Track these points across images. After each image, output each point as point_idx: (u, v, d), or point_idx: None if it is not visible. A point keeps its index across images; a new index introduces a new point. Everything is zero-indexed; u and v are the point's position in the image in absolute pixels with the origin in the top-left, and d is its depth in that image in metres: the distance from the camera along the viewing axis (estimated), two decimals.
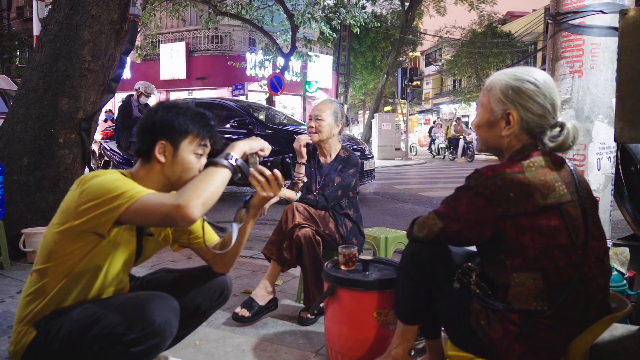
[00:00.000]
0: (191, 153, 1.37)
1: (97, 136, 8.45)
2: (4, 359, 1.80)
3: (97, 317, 1.22)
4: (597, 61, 2.12)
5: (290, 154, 1.47)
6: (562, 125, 1.31)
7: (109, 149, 7.81)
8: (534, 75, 1.31)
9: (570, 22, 2.13)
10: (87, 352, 1.22)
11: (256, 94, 17.52)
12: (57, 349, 1.25)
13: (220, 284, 1.57)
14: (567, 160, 1.32)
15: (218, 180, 1.25)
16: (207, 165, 1.31)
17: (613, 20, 2.09)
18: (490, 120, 1.35)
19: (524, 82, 1.30)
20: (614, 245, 2.09)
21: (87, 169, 3.69)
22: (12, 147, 3.35)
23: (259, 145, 1.42)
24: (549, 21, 2.27)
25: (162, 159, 1.36)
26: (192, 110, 1.39)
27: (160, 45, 19.06)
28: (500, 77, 1.34)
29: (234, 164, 1.31)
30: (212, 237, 1.59)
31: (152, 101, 6.67)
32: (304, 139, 2.42)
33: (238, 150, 1.36)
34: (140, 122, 1.40)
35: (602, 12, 2.07)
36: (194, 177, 1.34)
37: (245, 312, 2.21)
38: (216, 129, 1.45)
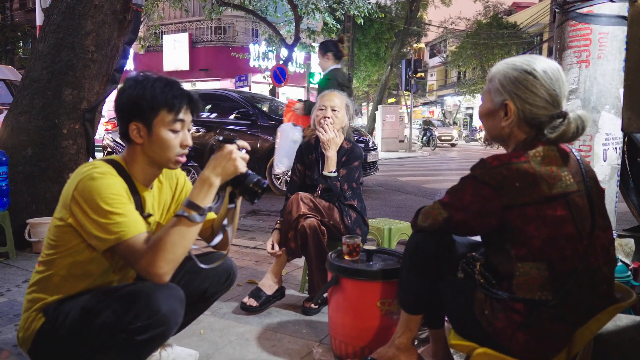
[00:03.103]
0: (166, 130, 1.33)
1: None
2: (11, 346, 1.81)
3: (103, 305, 1.23)
4: (604, 51, 2.10)
5: (266, 183, 1.37)
6: (564, 116, 1.26)
7: (112, 139, 7.83)
8: (534, 65, 1.27)
9: (578, 10, 2.11)
10: (93, 339, 1.23)
11: (259, 86, 17.47)
12: (64, 336, 1.26)
13: (227, 268, 1.57)
14: (574, 150, 1.31)
15: (192, 239, 1.24)
16: (180, 217, 1.21)
17: (622, 8, 2.06)
18: (491, 110, 1.34)
19: (521, 72, 1.27)
20: (619, 236, 2.08)
21: (91, 160, 3.69)
22: (16, 137, 3.36)
23: (233, 169, 1.29)
24: (556, 10, 2.24)
25: (139, 140, 1.34)
26: (161, 83, 1.32)
27: (163, 36, 19.01)
28: (501, 66, 1.33)
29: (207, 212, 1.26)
30: (210, 215, 1.57)
31: None
32: (330, 130, 2.35)
33: (210, 194, 1.27)
34: (114, 104, 1.36)
35: (611, 0, 2.04)
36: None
37: (253, 302, 2.22)
38: (194, 100, 1.36)
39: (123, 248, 1.21)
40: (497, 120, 1.33)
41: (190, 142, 1.38)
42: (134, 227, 1.22)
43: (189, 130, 1.40)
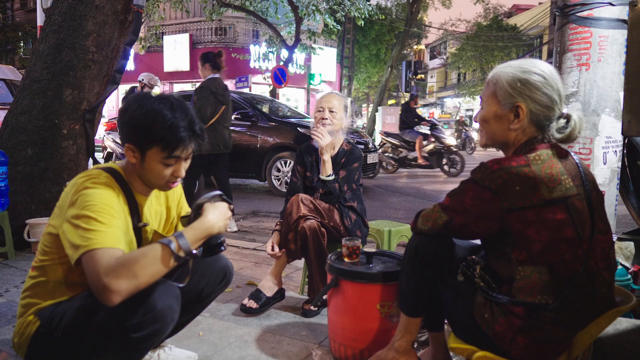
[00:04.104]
0: (159, 163, 1.32)
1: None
2: (10, 347, 1.81)
3: (99, 304, 1.22)
4: (604, 54, 2.10)
5: (224, 249, 1.37)
6: (567, 117, 1.30)
7: (112, 140, 7.83)
8: (540, 67, 1.31)
9: (578, 14, 2.11)
10: (89, 339, 1.23)
11: (260, 87, 17.49)
12: (60, 338, 1.26)
13: (223, 268, 1.57)
14: (572, 153, 1.32)
15: (163, 273, 1.20)
16: (167, 248, 1.20)
17: (622, 12, 2.07)
18: (498, 114, 1.33)
19: (532, 74, 1.29)
20: (619, 239, 2.08)
21: (90, 161, 3.69)
22: (16, 137, 3.36)
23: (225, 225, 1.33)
24: (557, 13, 2.25)
25: (132, 160, 1.34)
26: (164, 117, 1.28)
27: (164, 37, 19.04)
28: (506, 69, 1.33)
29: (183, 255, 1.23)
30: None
31: (156, 93, 6.65)
32: (326, 135, 2.33)
33: (202, 241, 1.28)
34: (117, 115, 1.37)
35: (611, 4, 2.05)
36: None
37: (252, 304, 2.22)
38: (197, 137, 1.33)
39: (88, 257, 1.15)
40: (504, 123, 1.32)
41: (183, 174, 1.38)
42: (108, 240, 1.18)
43: (187, 159, 1.37)
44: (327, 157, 2.33)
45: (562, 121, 1.30)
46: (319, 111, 2.41)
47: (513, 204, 1.21)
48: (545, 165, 1.23)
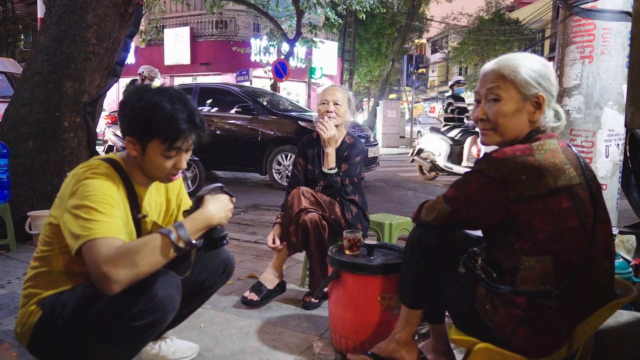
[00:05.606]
0: (160, 155, 1.32)
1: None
2: (12, 338, 1.82)
3: (100, 293, 1.22)
4: (608, 46, 2.09)
5: (226, 243, 1.36)
6: (554, 107, 1.34)
7: (112, 133, 7.82)
8: (537, 57, 1.33)
9: (582, 6, 2.10)
10: (91, 328, 1.23)
11: (261, 80, 17.44)
12: (62, 327, 1.26)
13: (224, 260, 1.57)
14: (571, 145, 1.33)
15: (162, 263, 1.20)
16: (166, 238, 1.20)
17: (626, 4, 2.05)
18: (519, 107, 1.30)
19: (543, 65, 1.31)
20: (621, 232, 2.08)
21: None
22: (17, 130, 3.35)
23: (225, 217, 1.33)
24: (560, 5, 2.23)
25: (133, 153, 1.34)
26: (164, 109, 1.28)
27: (165, 30, 18.97)
28: (518, 62, 1.30)
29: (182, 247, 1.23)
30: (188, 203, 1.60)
31: (156, 85, 6.64)
32: (331, 128, 2.32)
33: (202, 231, 1.28)
34: (117, 108, 1.36)
35: None
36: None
37: (254, 296, 2.23)
38: (198, 129, 1.33)
39: (88, 246, 1.16)
40: (523, 116, 1.31)
41: (184, 166, 1.38)
42: (108, 230, 1.18)
43: (188, 151, 1.37)
44: (330, 150, 2.32)
45: (552, 111, 1.33)
46: (323, 104, 2.40)
47: (519, 194, 1.21)
48: (548, 155, 1.23)
